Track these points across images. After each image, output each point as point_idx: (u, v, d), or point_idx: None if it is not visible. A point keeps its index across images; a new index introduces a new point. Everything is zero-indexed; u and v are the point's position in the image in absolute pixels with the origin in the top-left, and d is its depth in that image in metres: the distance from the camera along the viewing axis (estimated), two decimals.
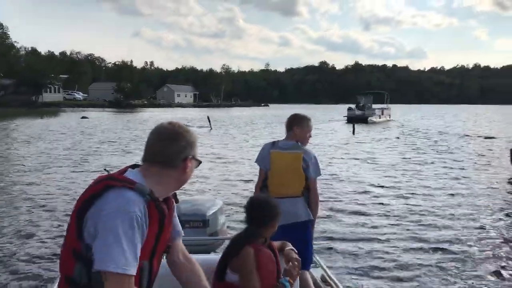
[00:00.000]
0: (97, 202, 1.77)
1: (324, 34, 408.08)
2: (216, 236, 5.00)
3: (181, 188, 2.00)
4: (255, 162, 4.26)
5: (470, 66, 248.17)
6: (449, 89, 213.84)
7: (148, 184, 1.85)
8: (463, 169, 15.62)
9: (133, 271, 1.74)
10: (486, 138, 29.00)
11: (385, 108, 52.77)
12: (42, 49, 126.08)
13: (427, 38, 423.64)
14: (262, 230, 2.61)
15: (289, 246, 2.77)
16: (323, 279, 3.37)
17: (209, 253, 4.18)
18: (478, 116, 68.70)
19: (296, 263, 2.65)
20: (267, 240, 2.64)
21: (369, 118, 46.39)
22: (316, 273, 3.54)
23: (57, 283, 2.04)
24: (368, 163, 17.28)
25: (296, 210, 4.03)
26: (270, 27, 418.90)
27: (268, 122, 47.40)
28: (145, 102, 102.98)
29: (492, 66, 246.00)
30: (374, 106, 51.51)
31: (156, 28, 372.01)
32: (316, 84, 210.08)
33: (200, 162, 2.02)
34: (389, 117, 52.70)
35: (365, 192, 11.71)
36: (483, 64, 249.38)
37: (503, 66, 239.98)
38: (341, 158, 18.81)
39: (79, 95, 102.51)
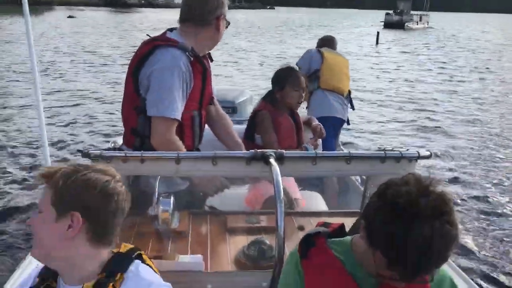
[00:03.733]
0: (147, 60, 2.01)
1: None
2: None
3: (214, 47, 2.20)
4: (297, 64, 4.34)
5: None
6: None
7: (187, 43, 2.06)
8: None
9: (178, 116, 2.02)
10: None
11: (423, 15, 51.19)
12: None
13: None
14: (279, 93, 2.82)
15: (316, 122, 3.05)
16: None
17: None
18: None
19: (320, 132, 2.98)
20: (283, 104, 2.83)
21: (406, 24, 44.68)
22: None
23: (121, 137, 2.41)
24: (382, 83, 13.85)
25: (341, 106, 4.38)
26: None
27: (271, 29, 42.55)
28: (142, 1, 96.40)
29: None
30: (412, 12, 49.87)
31: None
32: None
33: (229, 23, 2.20)
34: (427, 24, 50.62)
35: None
36: None
37: None
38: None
39: None
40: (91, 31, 29.83)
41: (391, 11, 48.61)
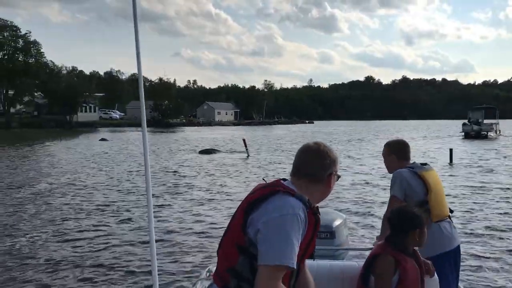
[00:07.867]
0: (263, 203, 1.97)
1: (366, 50, 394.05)
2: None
3: (323, 201, 2.17)
4: (394, 194, 3.60)
5: None
6: (505, 102, 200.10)
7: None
8: None
9: (294, 263, 1.90)
10: None
11: (496, 123, 47.18)
12: (87, 70, 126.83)
13: (474, 51, 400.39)
14: (402, 238, 2.62)
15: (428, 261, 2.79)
16: None
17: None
18: None
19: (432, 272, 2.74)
20: (408, 249, 2.63)
21: (489, 133, 42.49)
22: None
23: (204, 274, 2.59)
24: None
25: (455, 232, 3.72)
26: (309, 44, 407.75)
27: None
28: (184, 120, 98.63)
29: None
30: (485, 121, 46.73)
31: (195, 48, 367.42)
32: (362, 99, 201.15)
33: (339, 177, 2.20)
34: (499, 133, 47.50)
35: None
36: None
37: None
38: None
39: (116, 114, 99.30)
40: (107, 156, 27.55)
41: (465, 120, 45.37)
